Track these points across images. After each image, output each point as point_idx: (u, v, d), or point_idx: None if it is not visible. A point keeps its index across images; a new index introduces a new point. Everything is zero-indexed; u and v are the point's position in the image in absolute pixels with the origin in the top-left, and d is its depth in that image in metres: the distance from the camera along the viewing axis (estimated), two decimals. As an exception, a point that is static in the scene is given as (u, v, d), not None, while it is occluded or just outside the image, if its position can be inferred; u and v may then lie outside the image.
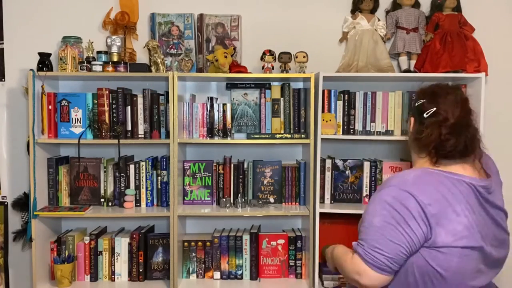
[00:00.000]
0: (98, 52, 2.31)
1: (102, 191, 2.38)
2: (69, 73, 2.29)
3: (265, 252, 2.39)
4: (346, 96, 2.33)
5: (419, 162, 1.45)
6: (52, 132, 2.30)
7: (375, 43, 2.35)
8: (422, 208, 1.27)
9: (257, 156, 2.49)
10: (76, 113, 2.32)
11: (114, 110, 2.31)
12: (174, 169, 2.22)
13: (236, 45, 2.43)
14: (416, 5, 2.44)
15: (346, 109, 2.33)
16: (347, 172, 2.38)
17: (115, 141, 2.27)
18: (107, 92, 2.30)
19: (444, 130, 1.37)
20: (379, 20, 2.40)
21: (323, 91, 2.28)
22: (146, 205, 2.37)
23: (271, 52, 2.31)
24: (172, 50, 2.44)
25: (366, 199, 2.37)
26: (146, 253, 2.37)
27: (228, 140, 2.32)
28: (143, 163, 2.36)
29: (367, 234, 1.32)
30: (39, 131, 2.25)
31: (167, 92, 2.27)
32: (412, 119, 1.53)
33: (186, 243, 2.38)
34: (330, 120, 2.27)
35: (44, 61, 2.26)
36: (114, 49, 2.33)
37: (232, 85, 2.38)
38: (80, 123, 2.32)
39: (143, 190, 2.37)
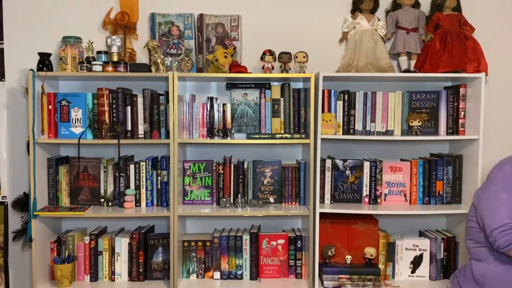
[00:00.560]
0: (98, 52, 2.31)
1: (102, 191, 2.38)
2: (69, 73, 2.29)
3: (265, 252, 2.39)
4: (346, 96, 2.33)
5: None
6: (52, 132, 2.30)
7: (375, 43, 2.35)
8: None
9: (257, 156, 2.49)
10: (76, 113, 2.32)
11: (114, 110, 2.31)
12: (174, 169, 2.22)
13: (236, 45, 2.43)
14: (416, 5, 2.44)
15: (346, 109, 2.33)
16: (347, 172, 2.38)
17: (115, 141, 2.27)
18: (107, 92, 2.30)
19: None
20: (379, 20, 2.41)
21: (323, 91, 2.28)
22: (146, 205, 2.37)
23: (271, 52, 2.31)
24: (172, 50, 2.44)
25: (366, 199, 2.37)
26: (146, 253, 2.37)
27: (228, 140, 2.32)
28: (143, 163, 2.36)
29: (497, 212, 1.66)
30: (39, 131, 2.25)
31: (167, 92, 2.27)
32: None
33: (186, 243, 2.38)
34: (330, 120, 2.27)
35: (44, 61, 2.26)
36: (114, 49, 2.33)
37: (232, 85, 2.38)
38: (80, 123, 2.32)
39: (143, 190, 2.37)
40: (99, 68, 2.25)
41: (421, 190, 2.36)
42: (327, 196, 2.36)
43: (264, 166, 2.40)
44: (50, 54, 2.30)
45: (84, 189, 2.38)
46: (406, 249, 2.39)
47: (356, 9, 2.44)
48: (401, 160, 2.45)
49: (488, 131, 2.31)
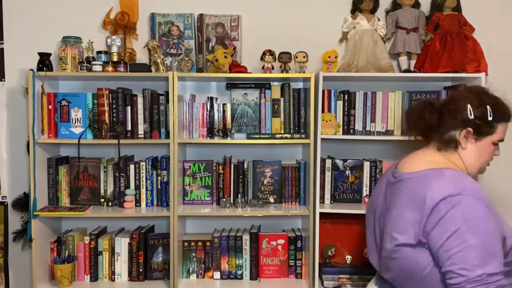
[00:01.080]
0: (98, 52, 2.31)
1: (102, 191, 2.38)
2: (69, 73, 2.29)
3: (265, 252, 2.39)
4: (346, 96, 2.33)
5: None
6: (52, 132, 2.30)
7: (375, 43, 2.35)
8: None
9: (257, 156, 2.49)
10: (76, 113, 2.32)
11: (114, 110, 2.31)
12: (174, 169, 2.22)
13: (236, 45, 2.43)
14: (416, 5, 2.44)
15: (346, 109, 2.33)
16: (347, 172, 2.38)
17: (115, 141, 2.27)
18: (107, 92, 2.30)
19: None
20: (379, 20, 2.41)
21: (323, 91, 2.28)
22: (146, 205, 2.37)
23: (271, 52, 2.31)
24: (172, 50, 2.44)
25: (366, 199, 2.37)
26: (146, 253, 2.37)
27: (228, 140, 2.32)
28: (143, 163, 2.36)
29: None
30: (39, 131, 2.25)
31: (167, 92, 2.27)
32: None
33: (186, 243, 2.38)
34: (330, 120, 2.27)
35: (44, 61, 2.26)
36: (114, 49, 2.33)
37: (232, 85, 2.38)
38: (80, 123, 2.32)
39: (143, 190, 2.37)
40: (99, 68, 2.25)
41: (421, 190, 2.36)
42: (327, 196, 2.36)
43: (264, 166, 2.40)
44: (50, 54, 2.30)
45: (84, 189, 2.38)
46: (406, 249, 2.38)
47: (356, 9, 2.44)
48: (401, 160, 2.45)
49: (488, 131, 2.31)
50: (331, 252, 2.32)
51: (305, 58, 2.30)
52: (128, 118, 2.32)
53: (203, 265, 2.39)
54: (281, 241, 2.39)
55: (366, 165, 2.37)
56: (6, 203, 2.52)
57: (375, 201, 1.58)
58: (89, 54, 2.32)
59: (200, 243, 2.39)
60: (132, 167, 2.36)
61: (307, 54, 2.30)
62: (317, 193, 2.24)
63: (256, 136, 2.30)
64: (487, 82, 2.30)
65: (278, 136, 2.30)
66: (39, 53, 2.27)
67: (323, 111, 2.28)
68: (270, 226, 2.50)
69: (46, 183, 2.33)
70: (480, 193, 1.34)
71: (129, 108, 2.32)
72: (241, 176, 2.38)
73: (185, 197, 2.40)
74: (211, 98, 2.38)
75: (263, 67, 2.32)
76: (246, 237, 2.38)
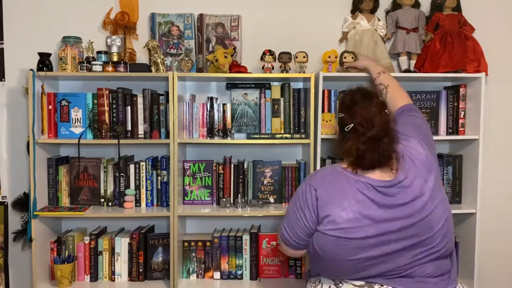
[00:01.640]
0: (98, 52, 2.31)
1: (102, 191, 2.38)
2: (69, 73, 2.29)
3: (265, 252, 2.39)
4: (346, 96, 2.33)
5: (342, 162, 1.69)
6: (52, 132, 2.30)
7: (375, 43, 2.35)
8: (317, 199, 1.57)
9: (257, 156, 2.49)
10: (76, 113, 2.32)
11: (114, 110, 2.31)
12: (174, 169, 2.22)
13: (236, 45, 2.43)
14: (416, 5, 2.44)
15: (346, 109, 2.33)
16: (347, 172, 2.37)
17: (115, 141, 2.27)
18: (107, 92, 2.30)
19: (361, 145, 1.56)
20: (379, 20, 2.41)
21: (323, 91, 2.28)
22: (146, 205, 2.37)
23: (271, 52, 2.31)
24: (172, 50, 2.44)
25: (366, 199, 2.37)
26: (146, 253, 2.37)
27: (228, 140, 2.32)
28: (143, 163, 2.36)
29: (285, 217, 1.71)
30: (39, 131, 2.25)
31: (167, 92, 2.27)
32: (337, 127, 1.75)
33: (186, 243, 2.39)
34: (330, 120, 2.27)
35: (44, 61, 2.26)
36: (114, 49, 2.33)
37: (232, 85, 2.38)
38: (80, 123, 2.32)
39: (143, 190, 2.37)
40: (99, 68, 2.25)
41: (421, 190, 2.36)
42: (327, 196, 2.36)
43: (264, 166, 2.40)
44: (50, 54, 2.30)
45: (84, 189, 2.38)
46: (406, 249, 2.38)
47: (356, 9, 2.44)
48: (401, 160, 2.45)
49: (488, 131, 2.31)
50: (331, 252, 2.32)
51: (305, 58, 2.30)
52: (128, 118, 2.32)
53: (203, 265, 2.39)
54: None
55: (366, 165, 2.36)
56: (6, 203, 2.52)
57: (365, 220, 1.54)
58: (89, 54, 2.32)
59: (200, 243, 2.39)
60: (132, 167, 2.36)
61: (307, 54, 2.30)
62: (317, 193, 2.24)
63: (256, 136, 2.30)
64: (487, 82, 2.31)
65: (278, 136, 2.30)
66: (39, 53, 2.27)
67: (323, 111, 2.28)
68: (270, 226, 2.50)
69: (46, 183, 2.33)
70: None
71: (129, 108, 2.32)
72: (241, 176, 2.38)
73: (185, 197, 2.40)
74: (211, 98, 2.38)
75: (263, 67, 2.32)
76: (246, 237, 2.38)
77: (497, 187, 2.51)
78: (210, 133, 2.36)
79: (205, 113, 2.36)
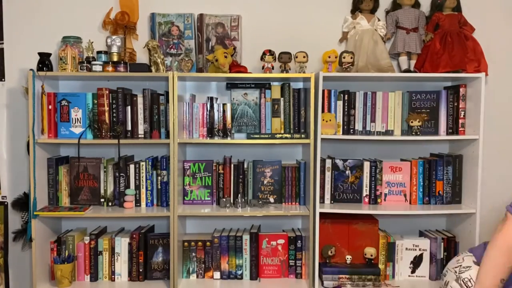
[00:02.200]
0: (98, 52, 2.31)
1: (102, 191, 2.38)
2: (69, 73, 2.29)
3: (265, 252, 2.39)
4: (346, 96, 2.33)
5: None
6: (52, 132, 2.30)
7: (375, 43, 2.35)
8: None
9: (257, 156, 2.49)
10: (76, 113, 2.32)
11: (114, 110, 2.31)
12: (174, 169, 2.22)
13: (236, 45, 2.43)
14: (416, 5, 2.44)
15: (346, 109, 2.33)
16: (347, 172, 2.38)
17: (115, 141, 2.27)
18: (107, 92, 2.30)
19: None
20: (379, 20, 2.41)
21: (323, 91, 2.28)
22: (146, 205, 2.37)
23: (271, 52, 2.31)
24: (172, 50, 2.44)
25: (366, 199, 2.37)
26: (146, 253, 2.37)
27: (228, 140, 2.32)
28: (143, 163, 2.36)
29: None
30: (39, 131, 2.25)
31: (167, 92, 2.27)
32: None
33: (186, 243, 2.39)
34: (330, 120, 2.27)
35: (44, 61, 2.26)
36: (114, 49, 2.33)
37: (232, 85, 2.38)
38: (80, 123, 2.32)
39: (143, 190, 2.37)
40: (99, 68, 2.25)
41: (421, 190, 2.36)
42: (327, 196, 2.36)
43: (264, 166, 2.40)
44: (50, 54, 2.30)
45: (84, 189, 2.38)
46: (406, 249, 2.39)
47: (356, 9, 2.44)
48: (401, 160, 2.45)
49: (488, 131, 2.31)
50: (331, 252, 2.32)
51: (305, 58, 2.30)
52: (128, 118, 2.32)
53: (203, 265, 2.39)
54: (281, 241, 2.39)
55: (366, 165, 2.37)
56: (6, 203, 2.52)
57: None
58: (89, 54, 2.32)
59: (200, 243, 2.39)
60: (132, 167, 2.36)
61: (307, 54, 2.30)
62: (317, 193, 2.24)
63: (256, 136, 2.30)
64: (487, 82, 2.31)
65: (278, 136, 2.30)
66: (39, 53, 2.27)
67: (323, 111, 2.28)
68: (270, 226, 2.50)
69: (46, 183, 2.33)
70: None
71: (129, 108, 2.32)
72: (241, 176, 2.38)
73: (185, 197, 2.40)
74: (211, 98, 2.38)
75: (263, 67, 2.32)
76: (246, 237, 2.38)
77: (497, 187, 2.51)
78: (210, 133, 2.36)
79: (205, 113, 2.36)
